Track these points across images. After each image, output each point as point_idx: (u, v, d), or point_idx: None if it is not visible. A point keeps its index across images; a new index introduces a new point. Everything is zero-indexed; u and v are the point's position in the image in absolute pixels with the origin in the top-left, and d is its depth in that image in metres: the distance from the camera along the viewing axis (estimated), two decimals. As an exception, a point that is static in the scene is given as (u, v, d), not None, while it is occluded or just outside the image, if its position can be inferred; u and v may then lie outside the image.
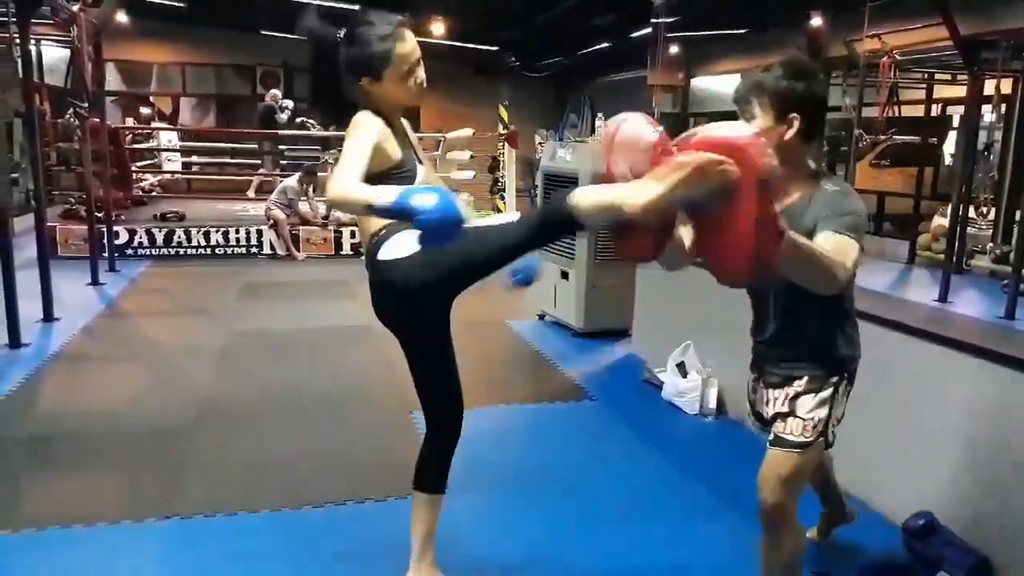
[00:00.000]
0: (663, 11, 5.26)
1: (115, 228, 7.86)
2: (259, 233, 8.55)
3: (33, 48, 7.15)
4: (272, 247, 8.51)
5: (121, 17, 10.55)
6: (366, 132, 1.93)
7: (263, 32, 13.69)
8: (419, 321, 2.28)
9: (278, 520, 2.82)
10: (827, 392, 2.02)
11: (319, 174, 9.21)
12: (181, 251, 8.33)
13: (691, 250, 1.89)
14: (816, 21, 9.51)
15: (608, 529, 2.87)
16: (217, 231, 8.37)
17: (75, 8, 6.15)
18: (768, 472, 2.04)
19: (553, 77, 16.47)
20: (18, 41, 5.39)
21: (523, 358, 5.15)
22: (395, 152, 2.02)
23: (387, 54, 1.97)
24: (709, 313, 4.22)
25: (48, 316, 5.48)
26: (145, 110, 14.95)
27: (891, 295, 7.29)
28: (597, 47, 12.74)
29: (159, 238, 8.26)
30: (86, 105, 6.78)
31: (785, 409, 2.06)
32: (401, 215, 1.68)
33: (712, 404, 3.98)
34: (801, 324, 2.03)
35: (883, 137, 8.85)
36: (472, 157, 9.66)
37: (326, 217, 8.90)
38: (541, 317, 5.91)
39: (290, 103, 12.02)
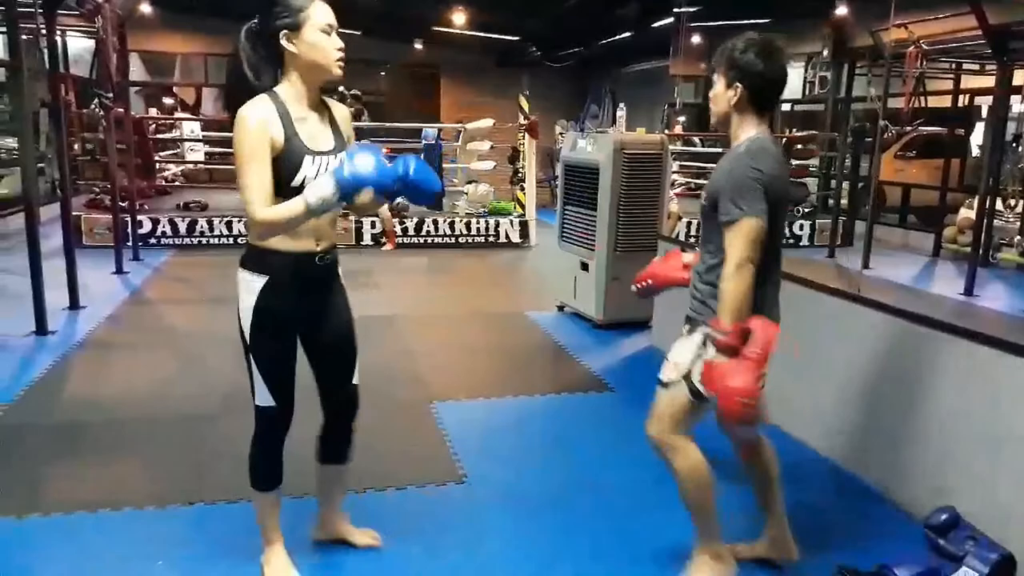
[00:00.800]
0: (685, 1, 5.21)
1: (139, 217, 7.94)
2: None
3: (58, 39, 7.22)
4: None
5: (145, 8, 10.63)
6: (248, 140, 2.00)
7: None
8: None
9: (301, 506, 2.84)
10: (696, 337, 2.23)
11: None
12: (203, 240, 8.40)
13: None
14: (841, 10, 9.37)
15: (628, 520, 2.87)
16: (239, 220, 8.42)
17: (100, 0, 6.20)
18: (652, 408, 2.33)
19: (574, 67, 16.40)
20: (44, 32, 5.45)
21: (542, 349, 5.15)
22: (278, 139, 2.05)
23: (306, 5, 2.06)
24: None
25: (74, 304, 5.56)
26: (168, 100, 15.07)
27: (917, 288, 7.23)
28: (619, 37, 12.65)
29: (182, 227, 8.34)
30: (111, 95, 6.84)
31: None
32: (349, 193, 1.94)
33: (733, 397, 3.94)
34: (706, 279, 2.28)
35: (909, 128, 8.73)
36: (492, 147, 9.65)
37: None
38: (561, 308, 5.90)
39: None
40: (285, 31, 2.05)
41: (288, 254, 2.14)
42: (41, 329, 4.92)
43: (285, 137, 2.06)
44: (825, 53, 10.08)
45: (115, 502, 2.83)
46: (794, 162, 10.19)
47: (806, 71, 11.41)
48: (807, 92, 11.34)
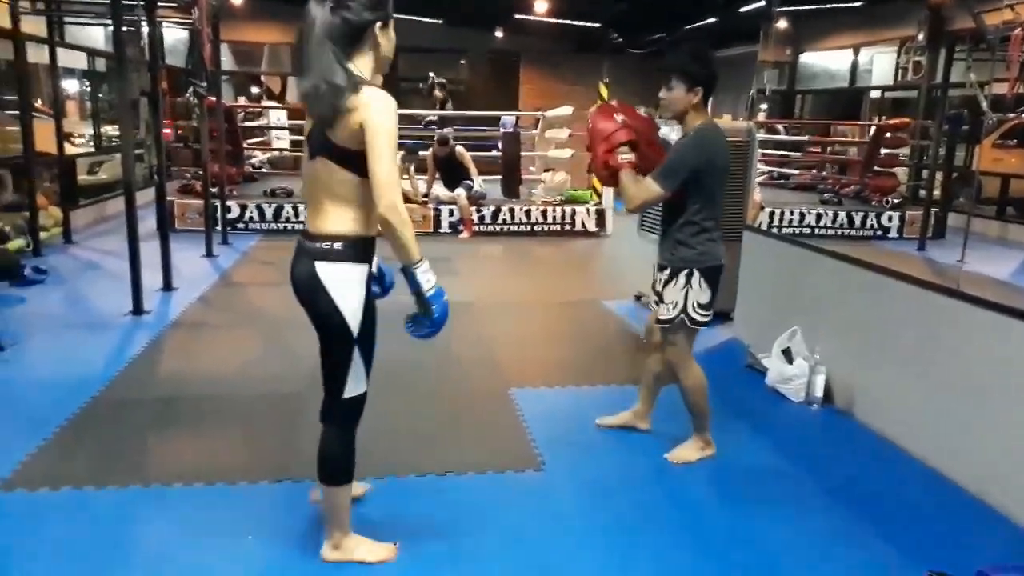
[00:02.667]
0: (777, -16, 5.08)
1: (228, 203, 8.21)
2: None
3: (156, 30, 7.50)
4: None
5: (236, -1, 10.94)
6: (394, 126, 2.03)
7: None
8: None
9: (383, 488, 2.91)
10: (680, 280, 2.97)
11: (420, 153, 9.36)
12: (289, 226, 8.62)
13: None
14: (941, -9, 8.95)
15: (707, 515, 2.84)
16: (323, 207, 8.62)
17: (196, -9, 6.41)
18: (661, 339, 3.14)
19: (656, 54, 16.13)
20: (144, 23, 5.67)
21: (619, 338, 5.12)
22: None
23: (389, 3, 2.09)
24: (819, 298, 4.09)
25: (167, 286, 5.80)
26: (255, 89, 15.51)
27: (1017, 284, 6.87)
28: (703, 22, 12.40)
29: (268, 213, 8.58)
30: (205, 85, 7.08)
31: (659, 291, 3.06)
32: (424, 303, 2.19)
33: (819, 392, 3.85)
34: (670, 230, 3.02)
35: (1011, 116, 8.29)
36: (571, 135, 9.60)
37: (426, 195, 9.04)
38: (638, 298, 5.84)
39: None
40: (380, 23, 2.06)
41: (372, 239, 2.20)
42: (137, 309, 5.15)
43: None
44: (920, 37, 9.65)
45: (208, 475, 2.95)
46: (883, 151, 9.82)
47: (899, 56, 10.96)
48: (899, 78, 10.90)
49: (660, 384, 3.38)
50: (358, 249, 2.16)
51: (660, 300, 3.05)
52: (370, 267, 2.22)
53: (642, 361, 3.46)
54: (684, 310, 2.97)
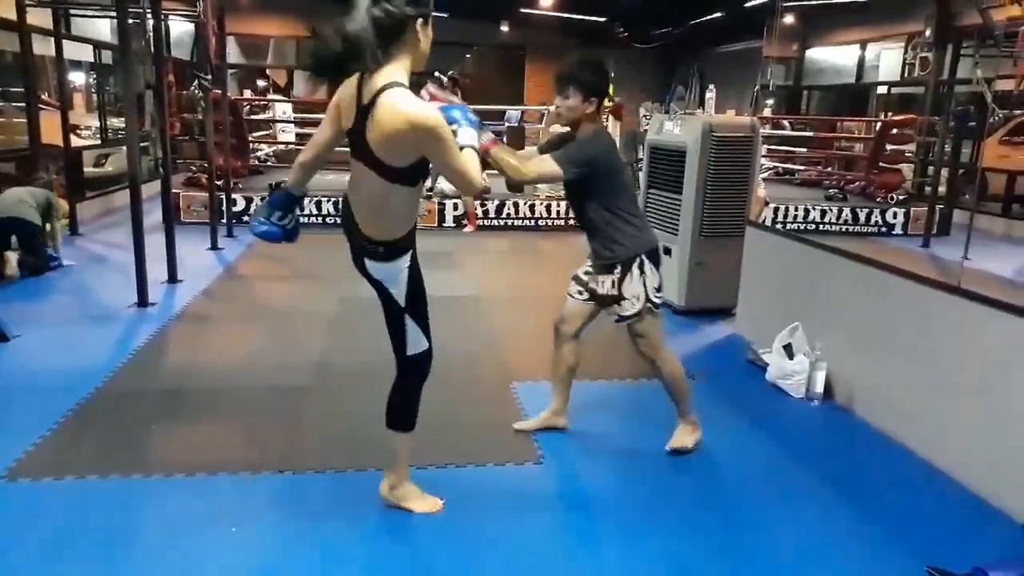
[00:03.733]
0: (782, -21, 5.07)
1: (233, 196, 8.23)
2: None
3: (162, 23, 7.51)
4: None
5: (242, -8, 10.94)
6: (447, 130, 2.17)
7: (374, 5, 13.92)
8: None
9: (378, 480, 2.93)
10: (635, 272, 3.02)
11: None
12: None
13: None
14: (948, -13, 8.92)
15: (706, 510, 2.84)
16: (328, 200, 8.63)
17: (201, -16, 6.43)
18: (632, 336, 3.15)
19: (661, 48, 16.12)
20: (150, 16, 5.68)
21: (622, 334, 5.08)
22: None
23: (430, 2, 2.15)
24: (820, 294, 4.09)
25: (172, 278, 5.82)
26: (261, 82, 15.53)
27: (1020, 281, 6.86)
28: (709, 17, 12.37)
29: (273, 206, 8.59)
30: (210, 77, 7.10)
31: (615, 292, 3.06)
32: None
33: (819, 388, 3.86)
34: (598, 233, 3.07)
35: (1018, 112, 8.26)
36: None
37: (430, 189, 9.04)
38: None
39: None
40: (421, 19, 2.11)
41: (410, 232, 2.41)
42: (142, 301, 5.18)
43: None
44: (927, 33, 9.61)
45: (210, 466, 2.97)
46: (889, 147, 9.79)
47: (905, 52, 10.92)
48: (906, 74, 10.86)
49: (572, 376, 3.40)
50: (400, 246, 2.38)
51: (617, 300, 3.06)
52: (413, 251, 2.42)
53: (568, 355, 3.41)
54: (647, 299, 3.04)
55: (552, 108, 9.81)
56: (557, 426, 3.40)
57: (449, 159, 2.17)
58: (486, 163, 2.67)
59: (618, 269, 3.03)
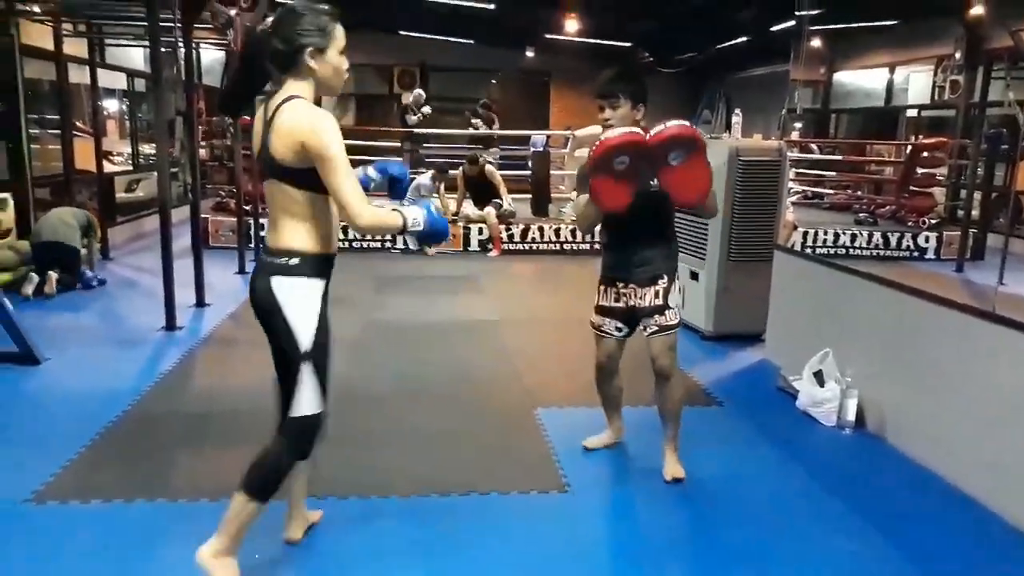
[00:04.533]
0: (808, 3, 5.03)
1: (261, 221, 8.30)
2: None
3: (193, 51, 7.65)
4: (405, 241, 8.73)
5: (271, 19, 11.12)
6: (338, 136, 2.09)
7: (401, 32, 14.14)
8: None
9: (405, 506, 2.90)
10: (677, 284, 3.09)
11: (450, 172, 9.41)
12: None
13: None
14: (977, 9, 8.83)
15: (735, 539, 2.78)
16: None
17: (232, 13, 6.54)
18: (662, 348, 3.10)
19: (686, 73, 16.12)
20: (181, 44, 5.79)
21: (645, 360, 5.06)
22: None
23: (332, 28, 2.15)
24: (850, 320, 4.02)
25: (200, 302, 5.87)
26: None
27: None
28: (735, 41, 12.37)
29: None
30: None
31: (660, 303, 3.05)
32: (429, 237, 2.27)
33: (851, 416, 3.77)
34: (660, 239, 3.10)
35: (1052, 135, 8.12)
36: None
37: (456, 214, 9.07)
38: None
39: (427, 109, 12.23)
40: (311, 49, 2.12)
41: (331, 256, 2.26)
42: (170, 325, 5.22)
43: None
44: (957, 55, 9.52)
45: (227, 492, 2.96)
46: (920, 170, 9.67)
47: (935, 75, 10.81)
48: (936, 97, 10.74)
49: (620, 396, 3.49)
50: (315, 264, 2.20)
51: (660, 310, 3.06)
52: (327, 284, 2.25)
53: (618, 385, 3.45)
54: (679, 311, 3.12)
55: (578, 132, 9.77)
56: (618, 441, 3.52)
57: (333, 180, 2.06)
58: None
59: (663, 280, 3.05)
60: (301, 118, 2.08)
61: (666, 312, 3.05)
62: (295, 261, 2.17)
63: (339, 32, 2.17)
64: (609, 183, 2.89)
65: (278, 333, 2.23)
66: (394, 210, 2.22)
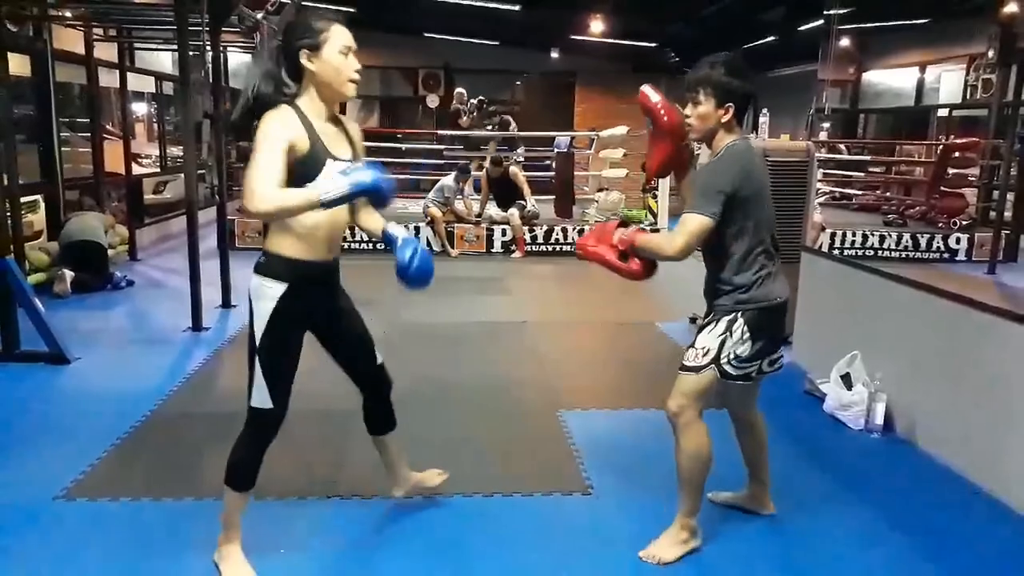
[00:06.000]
0: (837, 2, 4.97)
1: (287, 222, 8.36)
2: (416, 230, 8.82)
3: (220, 54, 7.73)
4: (428, 243, 8.78)
5: (298, 23, 11.22)
6: (272, 134, 2.11)
7: (426, 35, 14.18)
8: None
9: (429, 507, 2.90)
10: (720, 326, 2.49)
11: (474, 173, 9.42)
12: (344, 245, 8.71)
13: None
14: (1011, 7, 8.68)
15: (760, 545, 2.74)
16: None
17: (259, 16, 6.60)
18: (673, 388, 2.57)
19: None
20: (209, 48, 5.85)
21: (672, 362, 4.96)
22: (302, 144, 2.16)
23: (326, 28, 2.18)
24: (879, 322, 3.96)
25: (226, 303, 5.92)
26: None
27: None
28: (763, 41, 12.25)
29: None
30: (265, 107, 7.25)
31: (691, 341, 2.57)
32: (356, 196, 2.07)
33: (879, 420, 3.72)
34: (710, 270, 2.58)
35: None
36: (625, 155, 9.55)
37: (479, 215, 9.08)
38: (693, 320, 5.74)
39: (475, 100, 12.22)
40: (305, 50, 2.17)
41: (306, 263, 2.27)
42: (197, 325, 5.27)
43: (310, 142, 2.18)
44: (990, 54, 9.37)
45: (259, 491, 2.95)
46: (951, 171, 9.53)
47: (967, 74, 10.65)
48: (968, 96, 10.58)
49: (760, 450, 2.89)
50: (278, 267, 2.26)
51: (689, 346, 2.60)
52: (292, 288, 2.26)
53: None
54: (718, 360, 2.50)
55: (602, 134, 9.74)
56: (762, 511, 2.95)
57: (251, 161, 2.11)
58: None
59: (711, 315, 2.58)
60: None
61: (689, 349, 2.56)
62: (263, 260, 2.29)
63: (335, 31, 2.20)
64: (648, 142, 2.74)
65: (249, 324, 2.34)
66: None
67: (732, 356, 2.48)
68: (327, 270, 2.38)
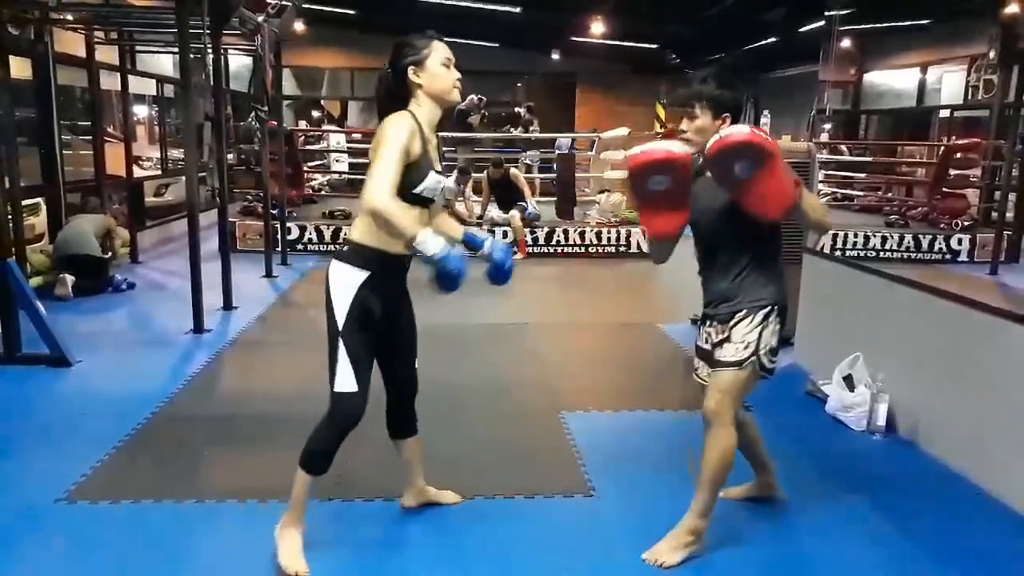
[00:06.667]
0: (838, 3, 4.97)
1: (288, 224, 8.38)
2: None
3: (221, 57, 7.73)
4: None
5: (298, 26, 11.23)
6: (397, 138, 2.27)
7: (427, 37, 14.18)
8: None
9: (430, 509, 2.90)
10: (757, 317, 2.50)
11: (475, 175, 9.42)
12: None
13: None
14: (1012, 7, 8.67)
15: (762, 546, 2.74)
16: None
17: (260, 19, 6.60)
18: (711, 385, 2.58)
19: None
20: (210, 51, 5.85)
21: (675, 363, 5.02)
22: (415, 150, 2.33)
23: (427, 45, 2.42)
24: (881, 323, 3.96)
25: (227, 305, 5.92)
26: (316, 113, 15.87)
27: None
28: (764, 42, 12.25)
29: (327, 234, 8.73)
30: (266, 109, 7.26)
31: (725, 336, 2.54)
32: (436, 267, 2.18)
33: (881, 421, 3.71)
34: (738, 269, 2.55)
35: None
36: (626, 157, 9.53)
37: (480, 217, 9.08)
38: (695, 322, 5.72)
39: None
40: (412, 66, 2.40)
41: (388, 254, 2.38)
42: (198, 328, 5.27)
43: (422, 150, 2.36)
44: (992, 55, 9.36)
45: (261, 493, 2.98)
46: (953, 172, 9.52)
47: (968, 75, 10.65)
48: (969, 97, 10.57)
49: (755, 444, 2.94)
50: (362, 256, 2.40)
51: (715, 347, 2.57)
52: (374, 276, 2.40)
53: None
54: (756, 351, 2.50)
55: (603, 135, 9.72)
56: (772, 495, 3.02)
57: (373, 165, 2.26)
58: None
59: (742, 312, 2.53)
60: (381, 124, 2.33)
61: (725, 345, 2.53)
62: (346, 248, 2.44)
63: (435, 46, 2.43)
64: (650, 208, 2.57)
65: (327, 312, 2.45)
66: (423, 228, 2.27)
67: (768, 348, 2.51)
68: (404, 265, 2.49)
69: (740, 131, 2.33)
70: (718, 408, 2.53)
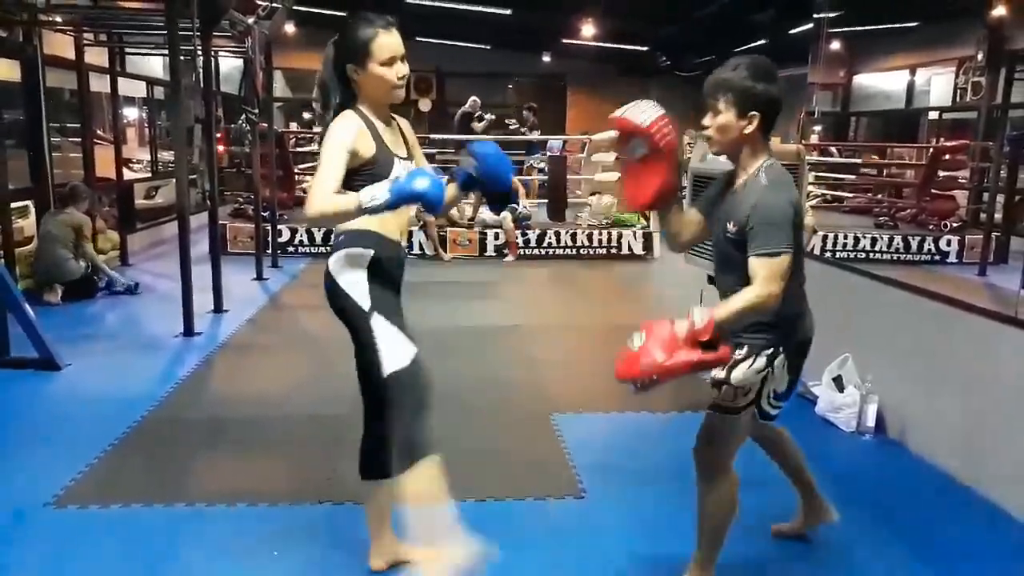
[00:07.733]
0: (826, 5, 4.99)
1: (279, 227, 8.35)
2: (409, 234, 8.80)
3: (211, 59, 7.71)
4: (421, 247, 8.77)
5: (289, 27, 11.21)
6: (338, 138, 2.18)
7: (417, 39, 14.18)
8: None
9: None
10: (759, 362, 2.19)
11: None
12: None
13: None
14: (999, 9, 8.73)
15: (753, 548, 2.74)
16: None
17: (250, 21, 6.59)
18: (703, 429, 2.33)
19: (705, 76, 16.07)
20: (200, 53, 5.84)
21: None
22: (367, 149, 2.21)
23: (368, 42, 2.22)
24: (870, 324, 3.98)
25: (218, 308, 5.91)
26: (307, 115, 15.81)
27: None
28: (753, 44, 12.30)
29: (318, 237, 8.70)
30: (257, 111, 7.25)
31: (723, 376, 2.21)
32: (400, 203, 2.07)
33: (871, 422, 3.73)
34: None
35: (1076, 136, 8.02)
36: (618, 159, 9.55)
37: (472, 218, 9.08)
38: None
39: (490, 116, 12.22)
40: (351, 64, 2.27)
41: (384, 236, 2.30)
42: (188, 331, 5.25)
43: (376, 146, 2.24)
44: (979, 57, 9.42)
45: (251, 496, 2.97)
46: (941, 173, 9.57)
47: (956, 77, 10.70)
48: (958, 99, 10.63)
49: (799, 467, 2.72)
50: (366, 239, 2.27)
51: (719, 384, 2.26)
52: (376, 254, 2.28)
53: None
54: (756, 400, 2.27)
55: (594, 137, 9.70)
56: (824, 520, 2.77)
57: (318, 167, 2.19)
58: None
59: (742, 351, 2.21)
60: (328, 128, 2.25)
61: (722, 387, 2.25)
62: (342, 238, 2.30)
63: (378, 43, 2.24)
64: (629, 174, 2.31)
65: (341, 308, 2.31)
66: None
67: (772, 395, 2.29)
68: (400, 252, 2.41)
69: (642, 106, 2.17)
70: (713, 456, 2.32)
